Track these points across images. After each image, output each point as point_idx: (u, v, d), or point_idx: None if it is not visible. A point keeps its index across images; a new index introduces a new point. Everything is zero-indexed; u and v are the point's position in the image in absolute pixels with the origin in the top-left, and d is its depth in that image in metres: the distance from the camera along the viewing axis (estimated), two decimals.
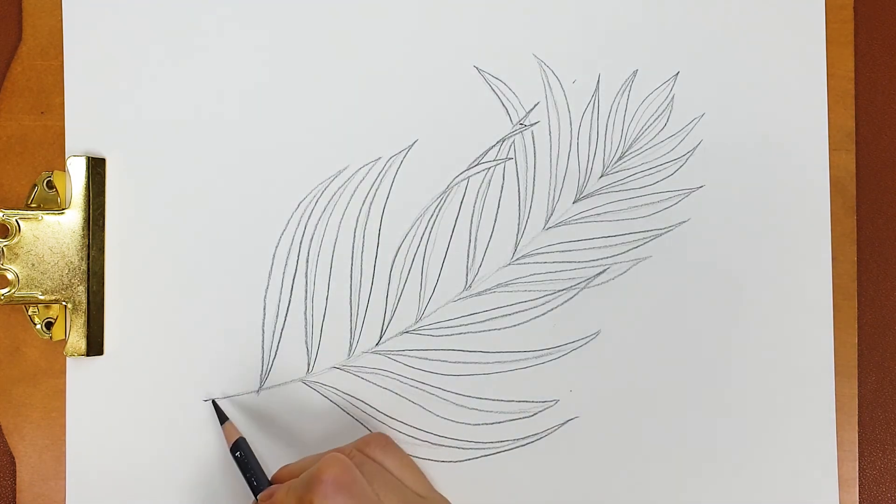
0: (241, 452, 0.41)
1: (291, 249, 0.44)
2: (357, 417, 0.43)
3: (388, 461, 0.39)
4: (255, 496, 0.40)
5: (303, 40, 0.45)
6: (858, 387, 0.45)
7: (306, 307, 0.44)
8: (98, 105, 0.44)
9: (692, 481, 0.44)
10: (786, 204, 0.45)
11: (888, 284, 0.46)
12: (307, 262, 0.44)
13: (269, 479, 0.40)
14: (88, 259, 0.43)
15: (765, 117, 0.45)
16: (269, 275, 0.44)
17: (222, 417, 0.42)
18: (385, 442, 0.40)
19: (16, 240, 0.42)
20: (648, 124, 0.45)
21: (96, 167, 0.43)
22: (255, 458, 0.41)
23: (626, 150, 0.45)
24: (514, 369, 0.44)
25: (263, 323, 0.43)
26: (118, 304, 0.43)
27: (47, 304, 0.42)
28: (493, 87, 0.45)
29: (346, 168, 0.44)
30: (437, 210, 0.44)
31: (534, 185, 0.45)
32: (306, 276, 0.44)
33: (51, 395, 0.43)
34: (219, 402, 0.43)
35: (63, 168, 0.44)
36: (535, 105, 0.45)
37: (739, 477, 0.44)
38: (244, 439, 0.41)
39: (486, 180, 0.45)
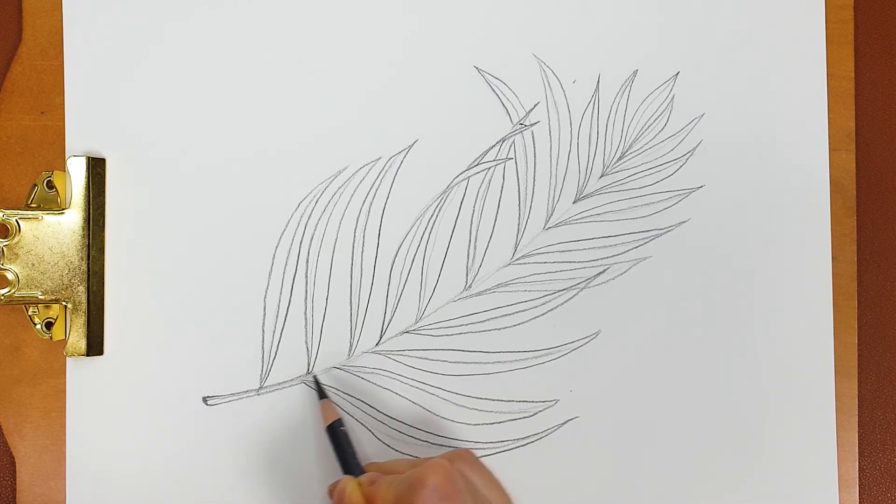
0: (339, 433, 0.40)
1: (291, 249, 0.44)
2: (357, 417, 0.43)
3: (476, 478, 0.38)
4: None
5: (303, 41, 0.45)
6: (858, 387, 0.45)
7: (306, 307, 0.44)
8: (98, 105, 0.44)
9: (692, 481, 0.44)
10: (786, 204, 0.45)
11: (888, 284, 0.46)
12: (307, 262, 0.44)
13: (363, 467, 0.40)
14: (88, 259, 0.43)
15: (765, 117, 0.45)
16: (269, 275, 0.44)
17: (321, 394, 0.42)
18: (472, 459, 0.39)
19: (16, 240, 0.42)
20: (648, 124, 0.45)
21: (96, 167, 0.43)
22: (350, 441, 0.40)
23: (626, 150, 0.45)
24: (514, 369, 0.44)
25: (263, 323, 0.43)
26: (118, 304, 0.43)
27: (47, 304, 0.42)
28: (493, 87, 0.45)
29: (346, 168, 0.44)
30: (437, 210, 0.44)
31: (534, 185, 0.45)
32: (306, 276, 0.44)
33: (51, 395, 0.43)
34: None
35: (63, 168, 0.44)
36: (535, 105, 0.45)
37: (739, 477, 0.44)
38: (342, 420, 0.41)
39: (486, 180, 0.45)
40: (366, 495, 0.36)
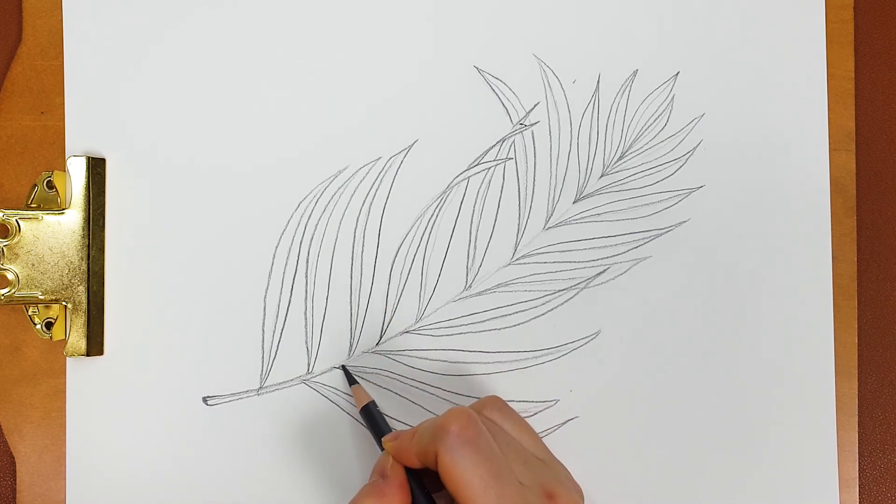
0: (371, 415, 0.40)
1: (291, 249, 0.44)
2: (357, 417, 0.43)
3: (506, 423, 0.38)
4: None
5: (303, 41, 0.45)
6: (858, 387, 0.45)
7: (306, 307, 0.44)
8: (98, 105, 0.44)
9: (692, 481, 0.44)
10: (786, 204, 0.45)
11: (888, 284, 0.46)
12: (307, 262, 0.44)
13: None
14: (88, 259, 0.43)
15: (765, 117, 0.45)
16: (269, 275, 0.44)
17: (351, 380, 0.42)
18: (501, 405, 0.39)
19: (16, 240, 0.42)
20: (648, 124, 0.45)
21: (96, 167, 0.43)
22: (385, 421, 0.40)
23: (626, 150, 0.45)
24: (514, 369, 0.44)
25: (263, 323, 0.43)
26: (118, 304, 0.43)
27: (47, 304, 0.42)
28: (493, 87, 0.45)
29: (346, 168, 0.44)
30: (437, 210, 0.44)
31: (534, 185, 0.45)
32: (306, 276, 0.44)
33: (51, 395, 0.43)
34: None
35: (63, 168, 0.44)
36: (535, 105, 0.45)
37: (739, 477, 0.44)
38: (374, 403, 0.41)
39: (486, 180, 0.45)
40: (391, 451, 0.37)
